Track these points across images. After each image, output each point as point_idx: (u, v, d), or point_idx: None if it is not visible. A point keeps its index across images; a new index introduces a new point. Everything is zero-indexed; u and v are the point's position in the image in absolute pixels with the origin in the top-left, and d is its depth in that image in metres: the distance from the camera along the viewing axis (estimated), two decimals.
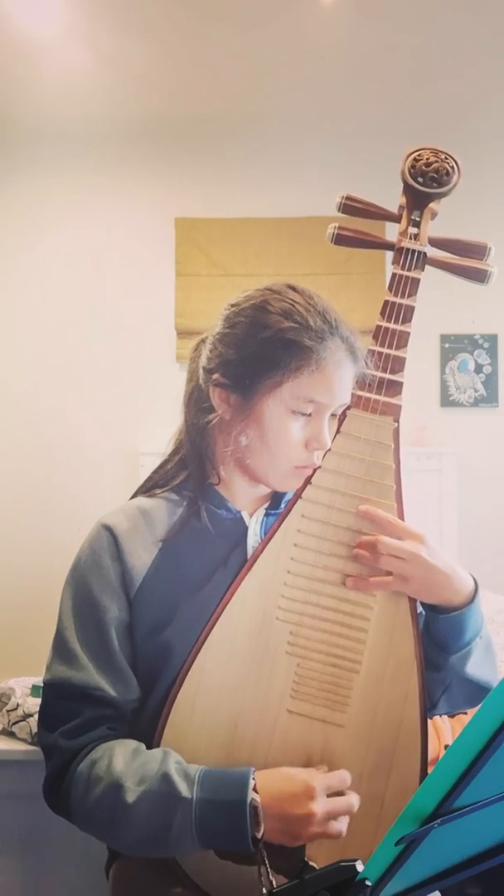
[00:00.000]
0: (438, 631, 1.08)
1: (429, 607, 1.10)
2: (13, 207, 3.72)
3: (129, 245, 3.71)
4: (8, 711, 1.70)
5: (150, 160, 3.70)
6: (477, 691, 1.13)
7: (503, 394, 3.66)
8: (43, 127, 3.64)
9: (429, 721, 1.09)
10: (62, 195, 3.71)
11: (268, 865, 0.89)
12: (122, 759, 0.99)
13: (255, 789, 0.93)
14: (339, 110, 3.52)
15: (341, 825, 0.95)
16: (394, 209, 1.16)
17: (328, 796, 0.95)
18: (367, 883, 0.74)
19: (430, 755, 1.07)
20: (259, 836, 0.92)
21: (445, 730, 1.79)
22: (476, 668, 1.11)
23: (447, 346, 3.65)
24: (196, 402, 1.16)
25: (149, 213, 3.70)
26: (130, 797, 0.95)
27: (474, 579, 1.10)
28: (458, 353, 3.65)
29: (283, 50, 3.09)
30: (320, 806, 0.93)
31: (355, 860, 0.76)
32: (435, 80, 3.29)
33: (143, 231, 3.71)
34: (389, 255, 1.15)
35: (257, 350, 1.07)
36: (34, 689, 1.72)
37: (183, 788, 0.94)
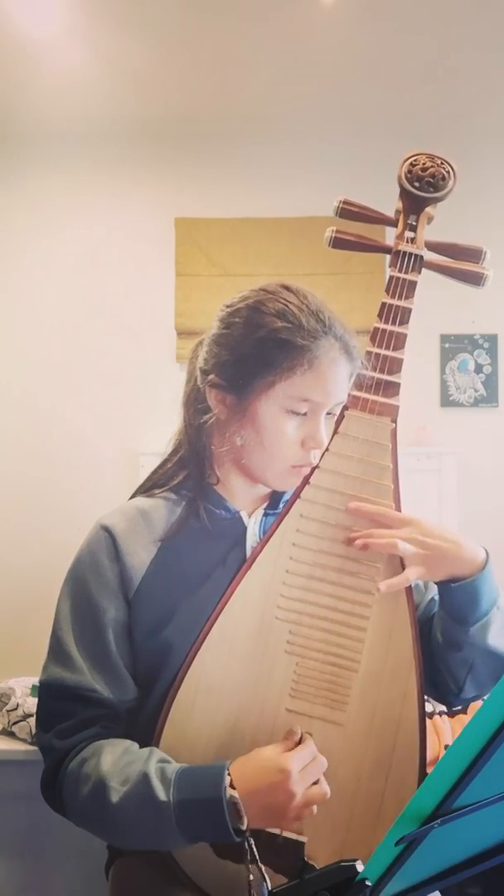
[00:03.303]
0: (454, 602, 1.07)
1: (441, 581, 1.09)
2: (13, 207, 3.72)
3: (129, 245, 3.71)
4: (8, 711, 1.70)
5: (150, 160, 3.70)
6: (501, 666, 1.11)
7: (503, 394, 3.65)
8: (43, 127, 3.63)
9: (429, 721, 1.09)
10: (62, 195, 3.71)
11: (258, 858, 0.89)
12: (111, 758, 1.00)
13: (232, 785, 0.93)
14: (339, 110, 3.52)
15: (323, 787, 0.96)
16: (395, 208, 1.16)
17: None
18: (367, 883, 0.74)
19: (430, 755, 1.07)
20: (244, 828, 0.92)
21: (445, 730, 1.79)
22: (498, 638, 1.09)
23: (447, 346, 3.65)
24: (194, 403, 1.16)
25: (149, 213, 3.70)
26: (115, 797, 0.96)
27: (485, 550, 1.09)
28: (458, 353, 3.65)
29: (283, 50, 3.09)
30: (298, 785, 0.93)
31: (355, 860, 0.76)
32: (435, 79, 3.29)
33: (143, 231, 3.71)
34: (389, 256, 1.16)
35: (251, 350, 1.08)
36: (34, 689, 1.72)
37: (160, 791, 0.94)
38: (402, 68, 3.21)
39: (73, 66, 3.19)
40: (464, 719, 1.81)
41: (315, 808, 0.96)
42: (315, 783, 0.96)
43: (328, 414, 1.10)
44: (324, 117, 3.57)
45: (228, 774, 0.94)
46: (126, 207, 3.71)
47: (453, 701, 1.16)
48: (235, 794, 0.92)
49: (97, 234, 3.71)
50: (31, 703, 1.69)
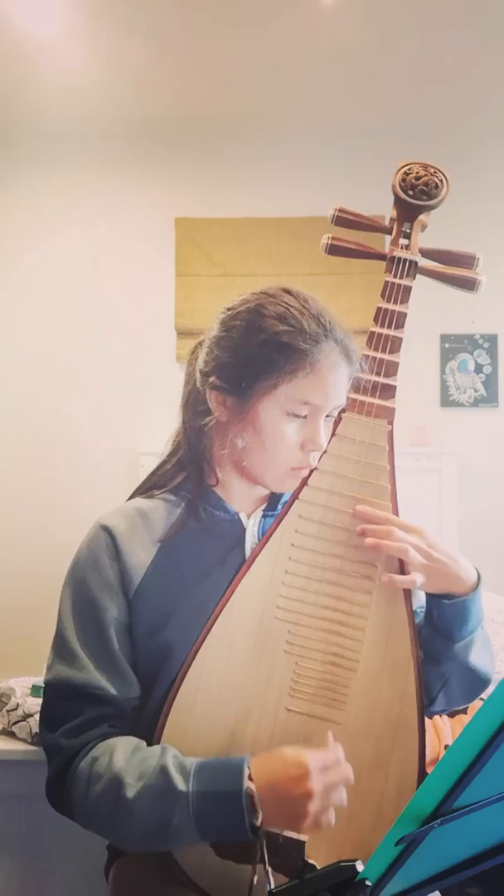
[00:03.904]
0: (443, 618, 1.09)
1: (433, 596, 1.10)
2: (13, 207, 3.72)
3: (129, 245, 3.71)
4: (8, 711, 1.70)
5: (149, 160, 3.70)
6: (474, 684, 1.14)
7: (503, 394, 3.66)
8: (43, 127, 3.64)
9: (429, 721, 1.10)
10: (62, 195, 3.71)
11: (266, 859, 0.89)
12: (123, 755, 1.00)
13: (250, 777, 0.94)
14: (339, 110, 3.52)
15: (342, 794, 0.95)
16: (390, 216, 1.18)
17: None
18: (367, 883, 0.74)
19: (430, 755, 1.07)
20: (258, 823, 0.92)
21: (445, 730, 1.79)
22: (477, 657, 1.12)
23: (447, 346, 3.65)
24: (193, 405, 1.17)
25: (149, 213, 3.70)
26: (130, 792, 0.96)
27: (477, 570, 1.11)
28: (458, 353, 3.65)
29: (283, 49, 3.09)
30: (317, 783, 0.93)
31: (355, 860, 0.76)
32: (435, 80, 3.29)
33: (143, 231, 3.71)
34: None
35: (253, 353, 1.08)
36: (34, 689, 1.72)
37: (179, 782, 0.94)
38: (402, 68, 3.21)
39: (73, 66, 3.20)
40: (464, 719, 1.81)
41: (333, 817, 0.95)
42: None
43: (327, 416, 1.11)
44: (323, 117, 3.58)
45: (248, 768, 0.94)
46: (126, 207, 3.71)
47: None
48: (253, 786, 0.93)
49: (97, 234, 3.71)
50: (31, 703, 1.68)
